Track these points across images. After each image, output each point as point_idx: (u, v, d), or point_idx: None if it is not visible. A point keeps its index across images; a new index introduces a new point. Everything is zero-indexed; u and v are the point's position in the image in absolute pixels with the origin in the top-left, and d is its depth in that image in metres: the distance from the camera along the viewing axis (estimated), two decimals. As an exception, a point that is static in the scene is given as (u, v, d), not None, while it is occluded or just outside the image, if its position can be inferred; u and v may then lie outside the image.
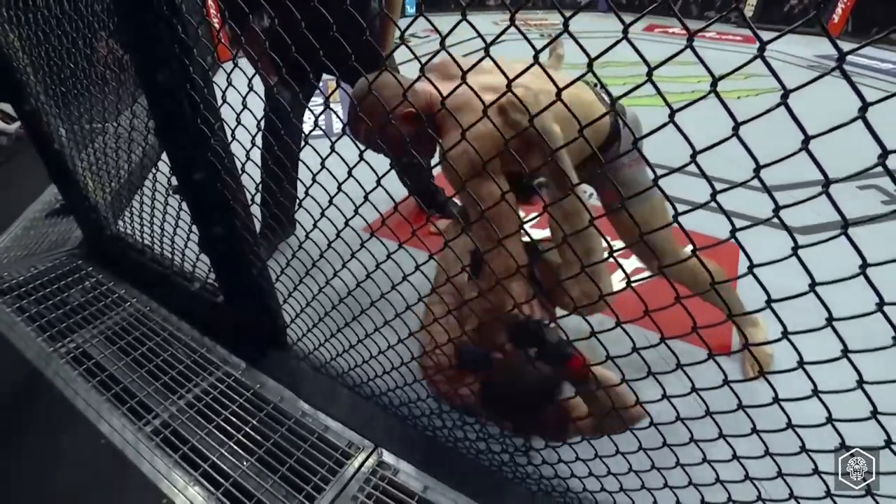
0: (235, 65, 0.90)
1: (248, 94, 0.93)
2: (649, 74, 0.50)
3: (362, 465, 1.23)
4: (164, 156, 1.18)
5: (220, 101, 1.06)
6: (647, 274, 1.43)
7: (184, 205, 1.27)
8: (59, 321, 1.67)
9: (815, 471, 0.70)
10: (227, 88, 0.98)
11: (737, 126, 0.48)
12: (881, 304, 0.49)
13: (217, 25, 3.58)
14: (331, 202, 0.92)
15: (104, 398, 1.41)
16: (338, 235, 0.97)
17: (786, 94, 0.45)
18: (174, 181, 1.23)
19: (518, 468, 1.18)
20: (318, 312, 1.26)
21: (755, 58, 0.45)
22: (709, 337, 0.67)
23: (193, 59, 0.99)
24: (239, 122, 1.00)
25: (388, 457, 1.24)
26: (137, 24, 0.97)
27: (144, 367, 1.50)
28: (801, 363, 0.59)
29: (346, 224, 0.94)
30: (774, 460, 0.73)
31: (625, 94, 0.60)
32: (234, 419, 1.34)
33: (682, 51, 0.49)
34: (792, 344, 0.58)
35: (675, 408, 0.77)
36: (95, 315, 1.70)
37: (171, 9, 0.93)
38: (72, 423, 1.35)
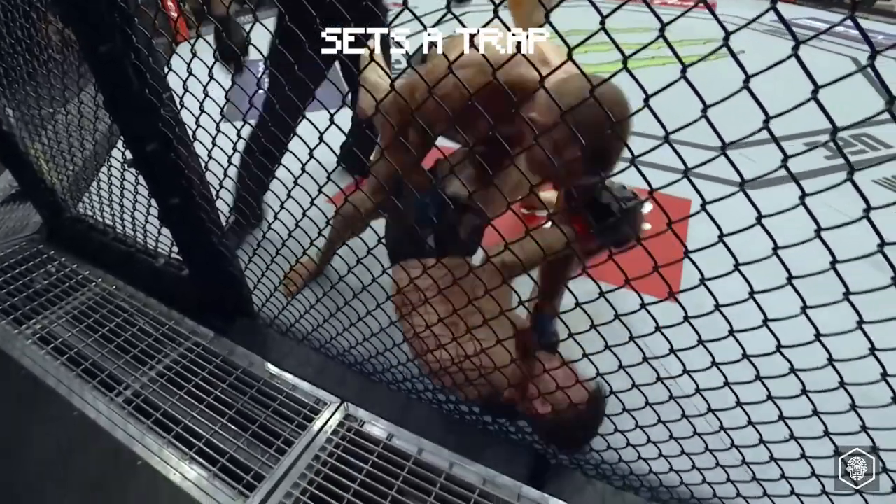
0: (200, 36, 0.91)
1: (192, 60, 0.96)
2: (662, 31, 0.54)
3: (329, 419, 1.29)
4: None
5: (166, 71, 1.08)
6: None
7: (141, 179, 1.28)
8: (22, 304, 1.66)
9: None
10: (171, 57, 1.00)
11: (747, 79, 0.50)
12: (818, 230, 0.56)
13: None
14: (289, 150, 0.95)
15: (74, 374, 1.43)
16: (289, 195, 1.01)
17: (797, 45, 0.48)
18: (129, 155, 1.24)
19: (474, 415, 1.27)
20: (279, 277, 1.30)
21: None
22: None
23: (135, 28, 1.01)
24: (186, 90, 1.02)
25: (354, 410, 1.31)
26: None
27: (113, 342, 1.52)
28: (766, 321, 0.67)
29: (296, 183, 0.98)
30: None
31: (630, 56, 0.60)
32: (204, 385, 1.38)
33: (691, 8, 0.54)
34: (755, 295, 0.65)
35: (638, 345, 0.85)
36: (60, 297, 1.71)
37: (107, -24, 0.94)
38: (43, 399, 1.38)
